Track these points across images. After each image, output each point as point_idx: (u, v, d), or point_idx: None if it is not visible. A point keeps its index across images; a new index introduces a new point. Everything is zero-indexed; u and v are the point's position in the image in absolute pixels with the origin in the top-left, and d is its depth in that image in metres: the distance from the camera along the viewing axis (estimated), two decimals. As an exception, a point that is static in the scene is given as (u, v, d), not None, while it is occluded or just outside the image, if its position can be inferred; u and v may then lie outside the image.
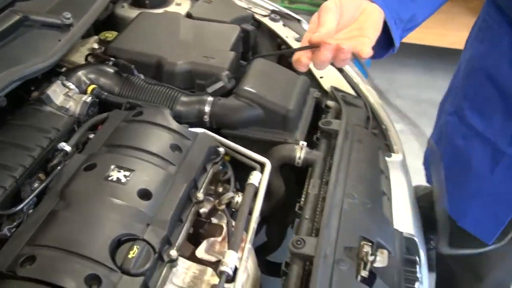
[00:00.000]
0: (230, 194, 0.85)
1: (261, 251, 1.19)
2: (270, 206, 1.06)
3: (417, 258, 0.87)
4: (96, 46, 1.18)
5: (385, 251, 0.81)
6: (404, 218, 0.97)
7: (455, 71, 1.17)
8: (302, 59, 0.72)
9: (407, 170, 1.11)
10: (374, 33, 0.75)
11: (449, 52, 2.54)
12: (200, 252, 0.83)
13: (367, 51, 0.71)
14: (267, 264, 1.11)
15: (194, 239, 0.86)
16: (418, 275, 0.84)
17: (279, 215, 1.09)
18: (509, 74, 0.96)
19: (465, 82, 1.08)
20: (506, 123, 0.98)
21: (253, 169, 0.90)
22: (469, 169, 1.05)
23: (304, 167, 0.99)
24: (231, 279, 0.71)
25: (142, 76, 1.05)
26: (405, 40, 0.86)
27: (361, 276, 0.77)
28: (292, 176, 1.05)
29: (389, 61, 3.03)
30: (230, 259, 0.71)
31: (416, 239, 0.92)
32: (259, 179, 0.87)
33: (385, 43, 0.81)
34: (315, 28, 0.73)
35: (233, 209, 0.87)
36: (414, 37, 2.59)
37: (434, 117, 1.25)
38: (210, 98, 1.02)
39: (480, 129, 1.03)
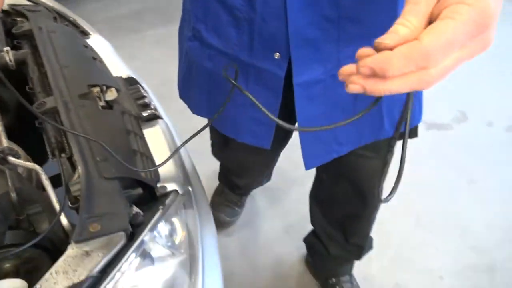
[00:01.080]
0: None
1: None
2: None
3: (138, 85, 1.11)
4: None
5: (113, 89, 1.03)
6: (119, 69, 1.19)
7: None
8: None
9: (107, 44, 1.32)
10: None
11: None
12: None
13: None
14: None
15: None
16: (144, 94, 1.08)
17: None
18: None
19: (192, 4, 1.08)
20: (239, 35, 0.99)
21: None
22: (220, 89, 1.08)
23: (19, 68, 1.10)
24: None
25: None
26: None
27: (101, 106, 0.97)
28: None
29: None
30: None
31: (133, 76, 1.16)
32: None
33: None
34: None
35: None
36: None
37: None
38: None
39: (221, 47, 1.03)
